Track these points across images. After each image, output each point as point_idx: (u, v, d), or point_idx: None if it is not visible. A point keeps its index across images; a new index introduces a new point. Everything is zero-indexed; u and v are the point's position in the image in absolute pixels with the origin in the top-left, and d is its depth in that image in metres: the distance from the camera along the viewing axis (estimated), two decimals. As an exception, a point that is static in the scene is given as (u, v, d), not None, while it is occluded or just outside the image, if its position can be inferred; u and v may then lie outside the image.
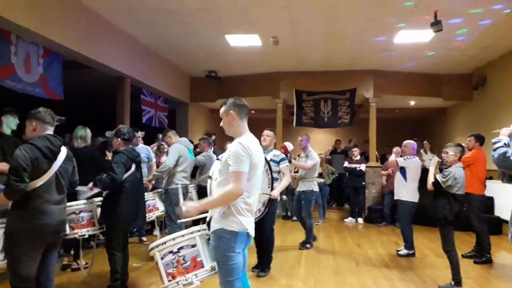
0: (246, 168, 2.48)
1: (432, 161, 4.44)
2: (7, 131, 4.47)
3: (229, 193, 2.46)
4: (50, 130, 2.98)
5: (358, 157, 8.85)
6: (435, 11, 5.83)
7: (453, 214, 4.15)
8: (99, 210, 4.13)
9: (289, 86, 9.92)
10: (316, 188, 6.25)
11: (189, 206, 2.59)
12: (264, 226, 4.61)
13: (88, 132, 5.03)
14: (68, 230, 3.92)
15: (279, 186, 4.75)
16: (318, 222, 8.38)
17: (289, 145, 7.37)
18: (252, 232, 2.61)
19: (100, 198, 4.13)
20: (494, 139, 2.69)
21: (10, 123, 4.49)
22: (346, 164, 8.96)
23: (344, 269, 5.08)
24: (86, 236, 4.19)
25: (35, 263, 2.82)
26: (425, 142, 9.66)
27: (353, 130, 11.97)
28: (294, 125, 9.87)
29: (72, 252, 4.92)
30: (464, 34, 6.90)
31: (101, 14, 6.26)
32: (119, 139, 4.03)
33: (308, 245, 6.21)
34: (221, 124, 2.71)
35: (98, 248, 5.11)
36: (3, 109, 4.50)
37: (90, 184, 4.22)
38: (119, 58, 6.90)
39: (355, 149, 9.03)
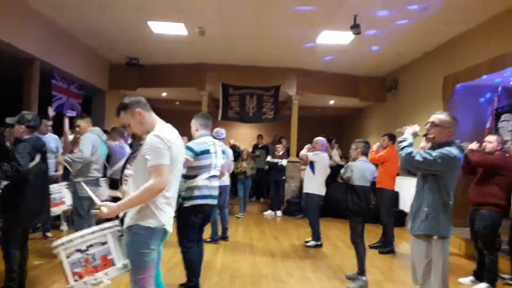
0: (167, 161, 2.35)
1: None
2: None
3: (150, 189, 2.29)
4: None
5: (281, 152, 9.07)
6: (354, 15, 6.13)
7: (355, 205, 4.27)
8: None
9: (215, 79, 9.83)
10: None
11: (108, 206, 2.33)
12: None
13: None
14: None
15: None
16: (239, 215, 8.46)
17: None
18: (169, 228, 2.51)
19: (-2, 190, 3.70)
20: (400, 137, 2.85)
21: None
22: (269, 158, 9.16)
23: (260, 262, 5.17)
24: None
25: None
26: (332, 141, 10.22)
27: (277, 126, 12.23)
28: (219, 119, 9.81)
29: None
30: (380, 38, 7.37)
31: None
32: (23, 126, 3.64)
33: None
34: (131, 129, 2.55)
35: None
36: None
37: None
38: (27, 38, 6.25)
39: (279, 145, 9.26)
